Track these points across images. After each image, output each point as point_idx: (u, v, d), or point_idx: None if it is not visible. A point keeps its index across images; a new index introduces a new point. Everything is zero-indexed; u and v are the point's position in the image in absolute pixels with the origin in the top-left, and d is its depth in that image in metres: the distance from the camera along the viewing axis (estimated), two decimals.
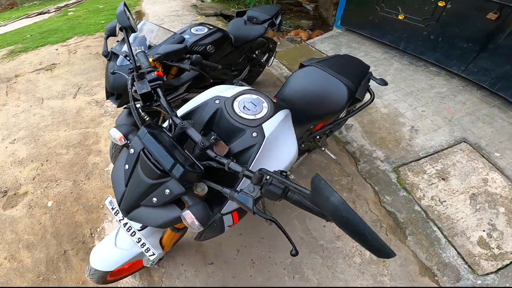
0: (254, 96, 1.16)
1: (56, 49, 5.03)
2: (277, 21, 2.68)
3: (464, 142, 2.27)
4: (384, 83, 1.72)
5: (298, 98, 1.52)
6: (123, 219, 1.23)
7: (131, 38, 1.80)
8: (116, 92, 1.86)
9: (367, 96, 1.76)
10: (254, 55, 2.88)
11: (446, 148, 2.27)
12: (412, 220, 1.92)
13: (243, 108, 1.09)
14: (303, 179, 2.23)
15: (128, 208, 0.94)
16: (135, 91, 1.12)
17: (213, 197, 0.97)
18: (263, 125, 1.03)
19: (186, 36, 2.05)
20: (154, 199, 0.87)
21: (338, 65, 1.71)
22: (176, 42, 1.93)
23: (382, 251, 0.54)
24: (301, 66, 1.77)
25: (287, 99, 1.49)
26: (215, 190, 0.88)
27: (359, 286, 1.69)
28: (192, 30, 2.13)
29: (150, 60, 1.43)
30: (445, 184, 2.04)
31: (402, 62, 3.25)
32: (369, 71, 1.77)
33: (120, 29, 1.33)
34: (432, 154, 2.25)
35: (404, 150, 2.31)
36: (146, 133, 0.87)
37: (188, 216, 0.80)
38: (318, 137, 1.97)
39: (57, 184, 2.43)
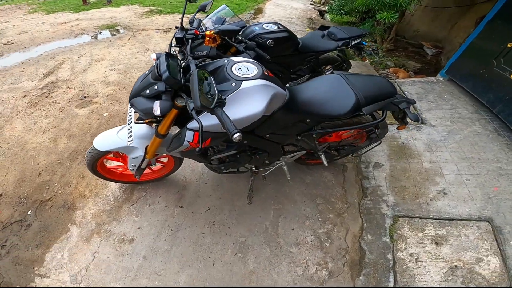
0: (252, 65, 1.49)
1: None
2: (353, 43, 2.79)
3: (487, 221, 1.94)
4: (415, 119, 1.68)
5: (304, 92, 1.71)
6: (130, 112, 1.69)
7: (213, 16, 2.48)
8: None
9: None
10: (320, 69, 3.04)
11: (463, 220, 1.99)
12: (376, 265, 1.81)
13: (239, 69, 1.45)
14: (305, 186, 2.34)
15: (133, 95, 1.45)
16: (174, 35, 1.99)
17: (189, 120, 1.39)
18: (243, 81, 1.37)
19: (256, 28, 2.44)
20: (147, 91, 1.35)
21: (362, 80, 1.79)
22: (238, 26, 2.37)
23: (203, 105, 0.97)
24: (331, 73, 1.92)
25: (294, 90, 1.70)
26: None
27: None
28: (264, 25, 2.52)
29: (212, 32, 2.05)
30: (434, 248, 1.83)
31: (486, 127, 2.88)
32: (395, 96, 1.75)
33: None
34: (443, 219, 2.00)
35: (417, 205, 2.12)
36: (164, 55, 1.35)
37: (156, 105, 1.21)
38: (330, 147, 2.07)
39: (119, 104, 3.20)
